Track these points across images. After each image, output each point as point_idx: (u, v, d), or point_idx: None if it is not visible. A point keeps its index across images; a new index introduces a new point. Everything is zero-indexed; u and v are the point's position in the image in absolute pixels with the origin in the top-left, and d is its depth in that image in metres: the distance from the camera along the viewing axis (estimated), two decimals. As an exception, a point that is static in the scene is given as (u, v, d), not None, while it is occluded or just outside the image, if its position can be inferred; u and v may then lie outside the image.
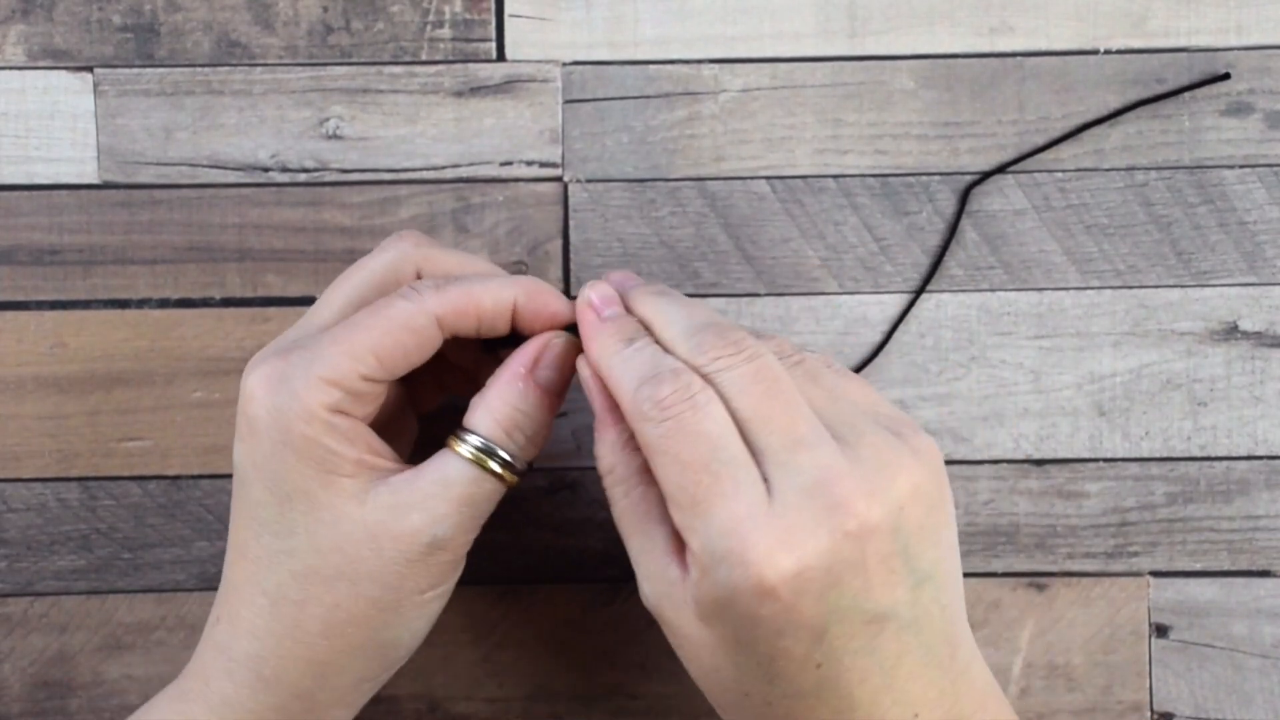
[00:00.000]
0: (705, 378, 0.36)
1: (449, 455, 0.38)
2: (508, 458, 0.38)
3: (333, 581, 0.37)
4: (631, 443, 0.37)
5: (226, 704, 0.38)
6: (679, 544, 0.36)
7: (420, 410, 0.43)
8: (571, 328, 0.39)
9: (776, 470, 0.34)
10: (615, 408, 0.37)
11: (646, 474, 0.37)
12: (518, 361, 0.39)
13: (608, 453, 0.38)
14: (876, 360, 0.46)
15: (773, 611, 0.34)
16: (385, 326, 0.37)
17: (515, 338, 0.40)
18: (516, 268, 0.46)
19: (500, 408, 0.38)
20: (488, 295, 0.38)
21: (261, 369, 0.37)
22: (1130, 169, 0.46)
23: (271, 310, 0.46)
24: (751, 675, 0.35)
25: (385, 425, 0.40)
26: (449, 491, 0.37)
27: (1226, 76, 0.45)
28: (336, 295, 0.39)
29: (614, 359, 0.37)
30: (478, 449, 0.38)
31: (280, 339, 0.39)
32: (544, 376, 0.39)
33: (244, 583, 0.38)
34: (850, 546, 0.34)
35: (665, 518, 0.36)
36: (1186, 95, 0.46)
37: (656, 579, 0.36)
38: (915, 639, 0.35)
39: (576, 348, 0.39)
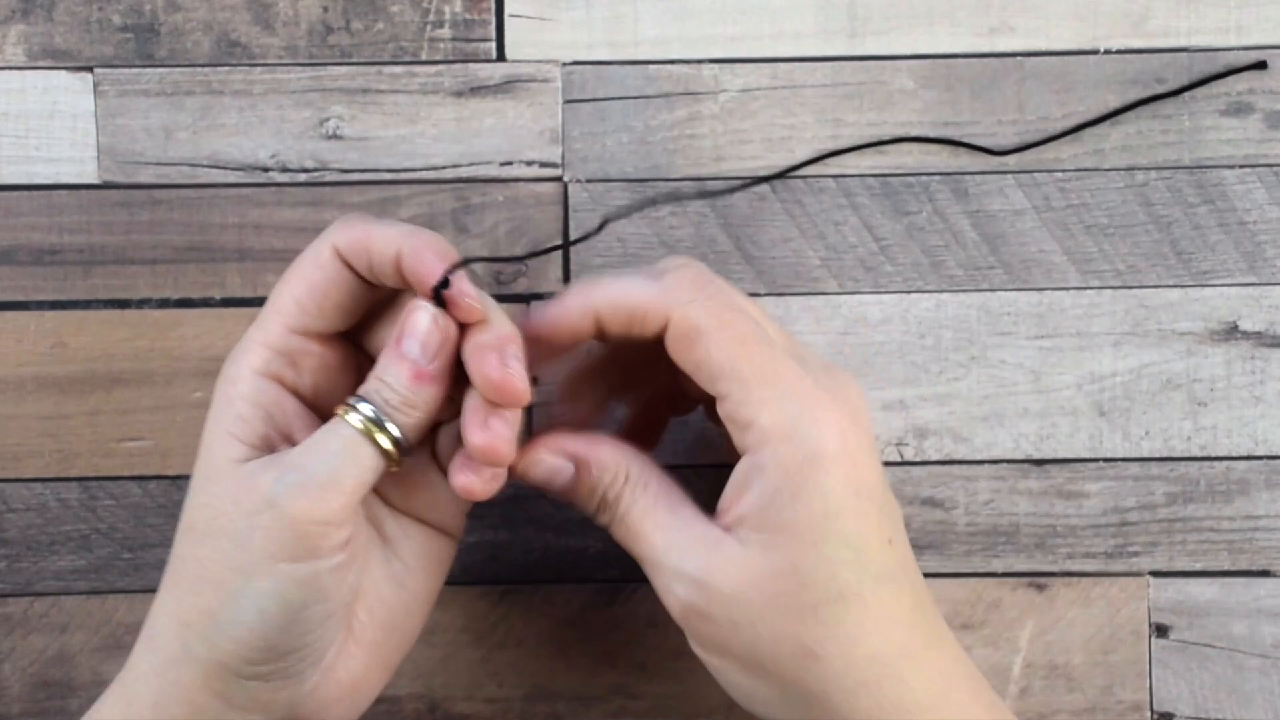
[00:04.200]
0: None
1: (331, 423, 0.37)
2: (368, 409, 0.36)
3: (202, 537, 0.36)
4: (634, 437, 0.39)
5: (132, 668, 0.38)
6: (708, 509, 0.37)
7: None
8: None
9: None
10: (591, 436, 0.38)
11: (654, 463, 0.38)
12: (391, 340, 0.37)
13: (618, 464, 0.38)
14: (878, 359, 0.46)
15: (850, 464, 0.35)
16: (297, 272, 0.37)
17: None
18: (516, 268, 0.46)
19: (380, 382, 0.37)
20: (379, 236, 0.37)
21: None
22: (1130, 169, 0.46)
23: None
24: (842, 563, 0.35)
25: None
26: (314, 451, 0.36)
27: (1263, 65, 0.45)
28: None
29: (617, 283, 0.37)
30: (350, 406, 0.36)
31: None
32: (408, 349, 0.36)
33: (171, 555, 0.38)
34: (865, 416, 0.37)
35: (685, 495, 0.37)
36: (1187, 95, 0.46)
37: (697, 550, 0.36)
38: (911, 564, 0.38)
39: (448, 323, 0.37)
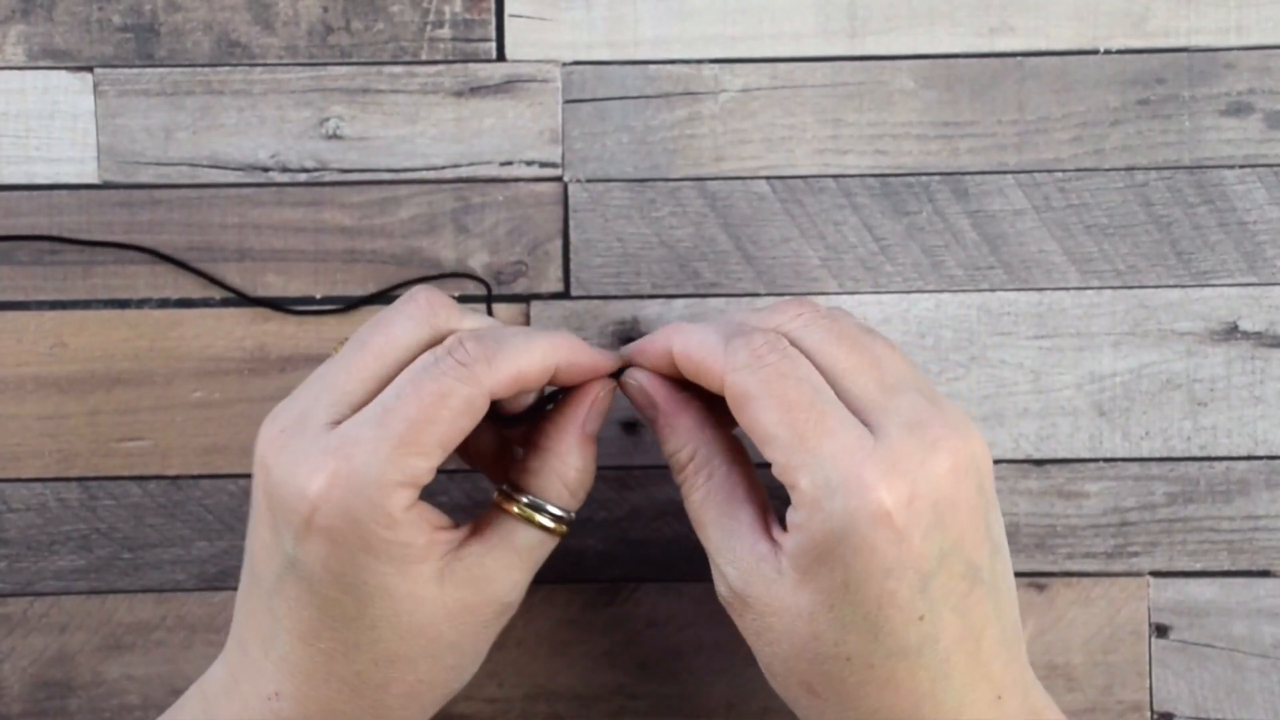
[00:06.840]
0: (789, 335, 0.37)
1: (515, 524, 0.39)
2: (559, 513, 0.39)
3: (415, 661, 0.38)
4: (711, 421, 0.39)
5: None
6: (765, 521, 0.37)
7: None
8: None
9: (876, 413, 0.36)
10: (681, 399, 0.39)
11: (729, 454, 0.39)
12: (576, 422, 0.40)
13: (685, 439, 0.39)
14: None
15: (885, 541, 0.34)
16: (449, 417, 0.36)
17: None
18: (516, 268, 0.46)
19: (570, 473, 0.39)
20: (533, 365, 0.38)
21: (322, 474, 0.36)
22: (1130, 169, 0.46)
23: (271, 310, 0.46)
24: (855, 631, 0.35)
25: None
26: (521, 559, 0.39)
27: None
28: (364, 365, 0.38)
29: (695, 334, 0.38)
30: (530, 507, 0.39)
31: (299, 408, 0.37)
32: (593, 427, 0.40)
33: (315, 669, 0.38)
34: (950, 483, 0.35)
35: (750, 496, 0.38)
36: (1187, 95, 0.46)
37: (745, 558, 0.37)
38: (994, 608, 0.36)
39: (614, 391, 0.40)
